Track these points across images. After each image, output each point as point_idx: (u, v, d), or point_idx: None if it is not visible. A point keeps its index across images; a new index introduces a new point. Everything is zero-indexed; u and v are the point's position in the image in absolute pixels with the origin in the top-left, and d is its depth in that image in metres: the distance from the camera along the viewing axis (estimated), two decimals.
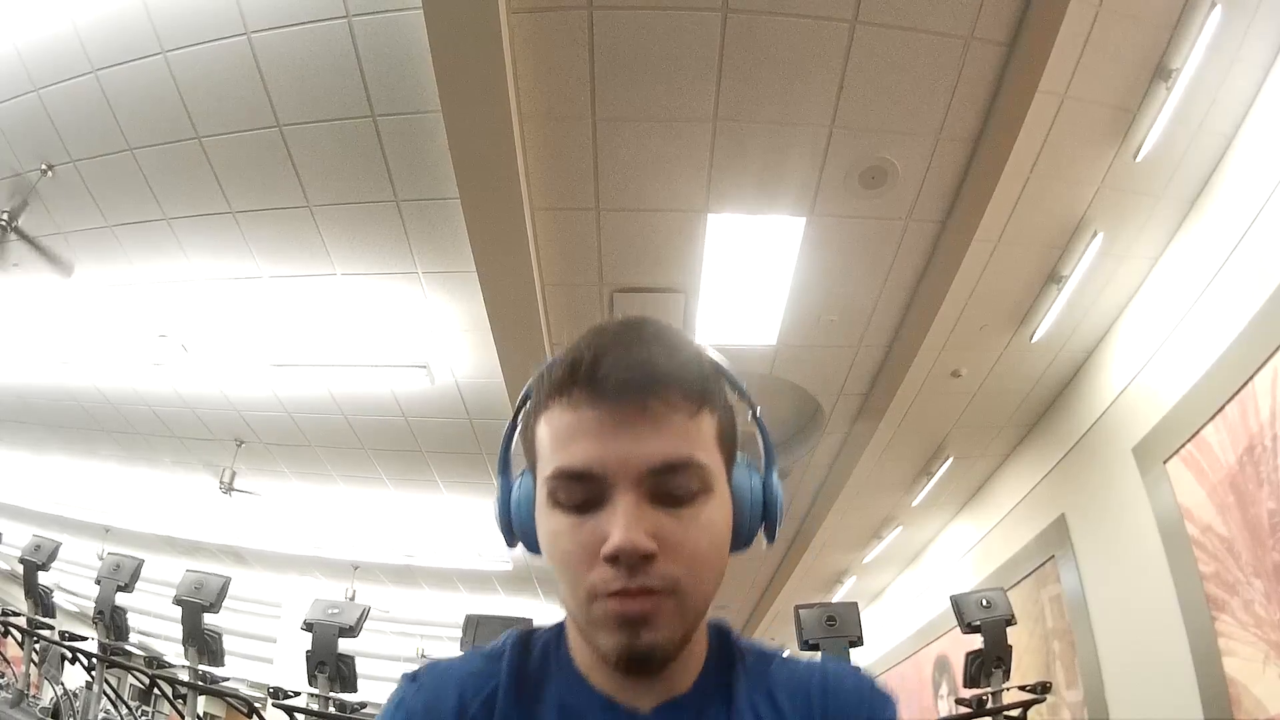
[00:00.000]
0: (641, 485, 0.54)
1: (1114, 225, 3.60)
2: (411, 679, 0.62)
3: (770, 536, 0.64)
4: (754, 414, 0.65)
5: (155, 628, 10.39)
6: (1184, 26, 2.78)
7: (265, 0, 2.84)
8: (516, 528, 0.63)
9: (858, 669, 0.66)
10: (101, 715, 4.17)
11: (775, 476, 0.63)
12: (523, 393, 0.63)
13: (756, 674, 0.64)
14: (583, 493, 0.55)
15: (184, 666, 3.71)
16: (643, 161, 3.24)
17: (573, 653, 0.62)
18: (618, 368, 0.55)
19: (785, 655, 0.67)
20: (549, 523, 0.57)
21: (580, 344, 0.57)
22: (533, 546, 0.62)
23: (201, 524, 8.21)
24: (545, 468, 0.57)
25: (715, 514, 0.57)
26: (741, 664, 0.64)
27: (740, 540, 0.61)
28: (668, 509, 0.55)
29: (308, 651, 3.64)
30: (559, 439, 0.56)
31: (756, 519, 0.62)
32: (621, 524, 0.53)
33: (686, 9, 2.69)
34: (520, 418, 0.63)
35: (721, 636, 0.65)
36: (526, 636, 0.64)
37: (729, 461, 0.61)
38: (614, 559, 0.52)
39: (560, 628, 0.64)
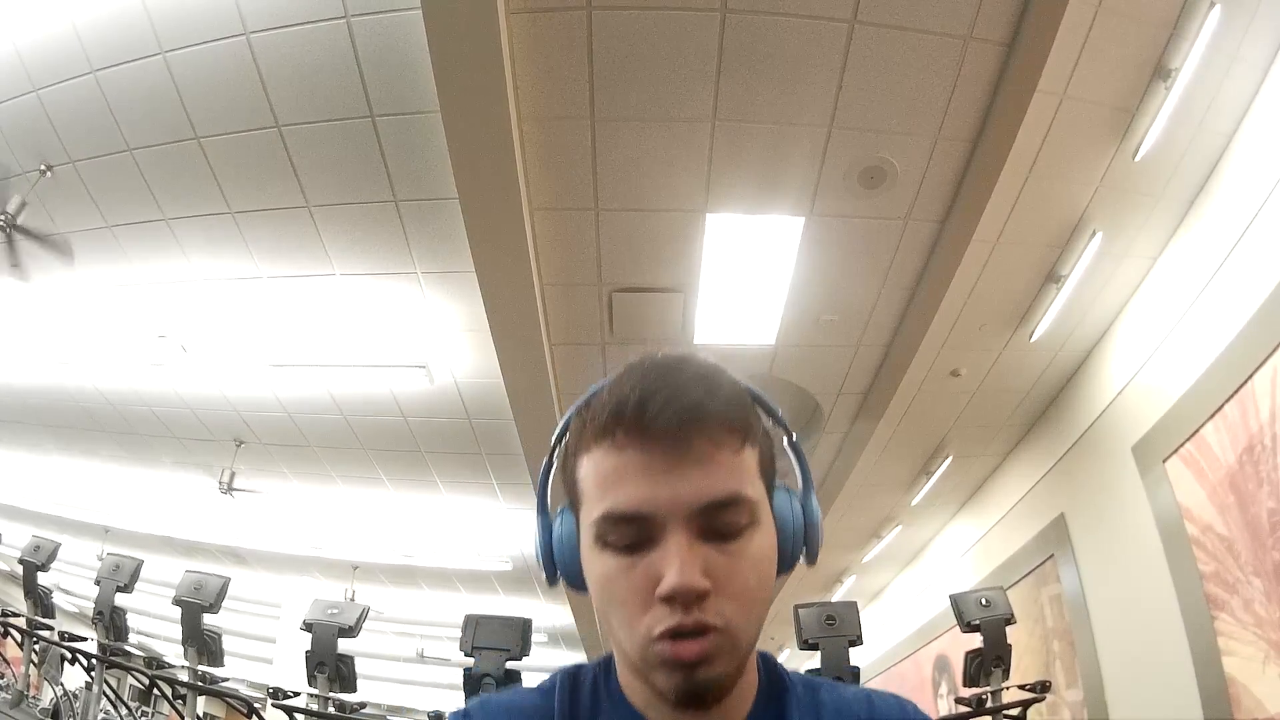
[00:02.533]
0: (692, 523, 0.54)
1: (1113, 225, 3.60)
2: (464, 716, 0.62)
3: (811, 559, 0.65)
4: (790, 440, 0.66)
5: (155, 628, 10.39)
6: (1183, 26, 2.78)
7: (265, 0, 2.84)
8: (560, 566, 0.62)
9: (899, 697, 0.68)
10: (101, 716, 4.17)
11: (814, 501, 0.64)
12: (559, 429, 0.63)
13: (807, 703, 0.65)
14: (633, 534, 0.55)
15: (184, 667, 3.71)
16: (642, 161, 3.24)
17: (624, 689, 0.62)
18: (664, 410, 0.55)
19: (831, 683, 0.68)
20: (598, 565, 0.57)
21: (623, 384, 0.57)
22: (576, 584, 0.62)
23: (201, 524, 8.20)
24: (592, 509, 0.57)
25: (763, 545, 0.58)
26: (793, 693, 0.65)
27: (784, 564, 0.62)
28: (717, 544, 0.55)
29: (307, 652, 3.64)
30: (605, 481, 0.56)
31: (799, 542, 0.63)
32: (676, 564, 0.53)
33: (686, 9, 2.69)
34: (557, 455, 0.63)
35: (770, 667, 0.66)
36: (576, 672, 0.65)
37: (770, 489, 0.61)
38: (670, 599, 0.53)
39: (608, 663, 0.65)
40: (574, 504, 0.61)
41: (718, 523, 0.55)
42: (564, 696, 0.63)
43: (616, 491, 0.55)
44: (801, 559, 0.64)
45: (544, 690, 0.64)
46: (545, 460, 0.65)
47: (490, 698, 0.64)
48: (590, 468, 0.58)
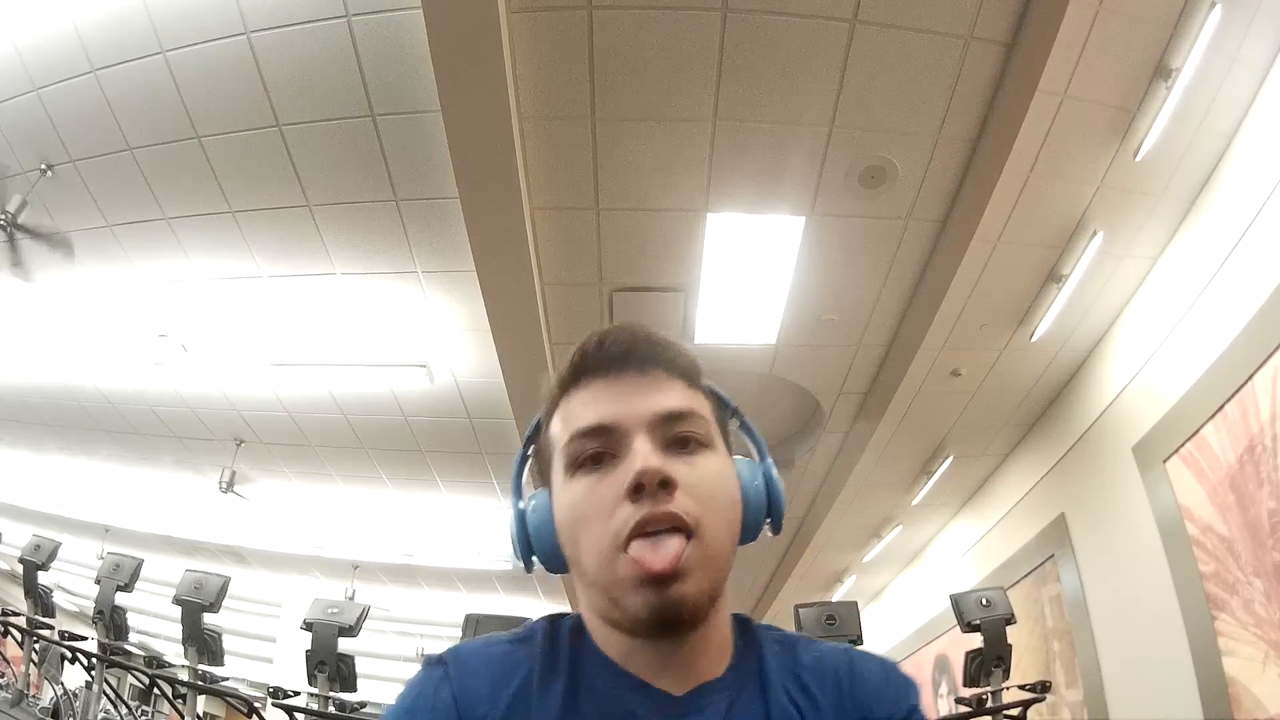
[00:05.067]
0: (654, 432, 0.58)
1: (1114, 225, 3.60)
2: (436, 663, 0.60)
3: (776, 528, 0.65)
4: (737, 415, 0.68)
5: (155, 628, 10.39)
6: (1184, 26, 2.78)
7: (265, 0, 2.84)
8: (536, 545, 0.62)
9: (881, 656, 0.67)
10: (101, 715, 4.17)
11: (773, 470, 0.65)
12: (531, 423, 0.67)
13: (783, 658, 0.64)
14: (598, 445, 0.58)
15: (184, 666, 3.71)
16: (642, 161, 3.24)
17: (600, 643, 0.61)
18: (621, 341, 0.61)
19: (808, 640, 0.68)
20: (569, 494, 0.59)
21: (582, 341, 0.62)
22: (551, 562, 0.62)
23: (201, 524, 8.21)
24: (561, 443, 0.60)
25: (723, 468, 0.60)
26: (769, 647, 0.64)
27: (748, 532, 0.62)
28: (679, 454, 0.58)
29: (308, 651, 3.64)
30: (572, 414, 0.60)
31: (761, 509, 0.63)
32: (640, 455, 0.56)
33: (686, 9, 2.69)
34: (528, 444, 0.66)
35: (743, 624, 0.66)
36: (553, 622, 0.64)
37: (727, 449, 0.64)
38: (637, 489, 0.54)
39: (580, 619, 0.64)
40: (545, 470, 0.63)
41: (678, 430, 0.58)
42: (543, 646, 0.61)
43: (583, 414, 0.59)
44: (767, 530, 0.65)
45: (521, 638, 0.63)
46: (520, 451, 0.68)
47: (465, 645, 0.62)
48: (559, 417, 0.62)
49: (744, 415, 0.68)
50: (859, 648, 0.70)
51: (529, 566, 0.64)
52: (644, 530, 0.54)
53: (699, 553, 0.55)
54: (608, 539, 0.55)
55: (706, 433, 0.60)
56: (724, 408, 0.66)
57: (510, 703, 0.58)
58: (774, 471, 0.65)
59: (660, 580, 0.53)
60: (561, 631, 0.63)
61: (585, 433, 0.58)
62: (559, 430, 0.61)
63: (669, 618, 0.54)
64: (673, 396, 0.60)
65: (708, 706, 0.59)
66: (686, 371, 0.62)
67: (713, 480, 0.58)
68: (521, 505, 0.64)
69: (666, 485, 0.55)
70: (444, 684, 0.58)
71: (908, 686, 0.65)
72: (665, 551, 0.53)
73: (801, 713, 0.61)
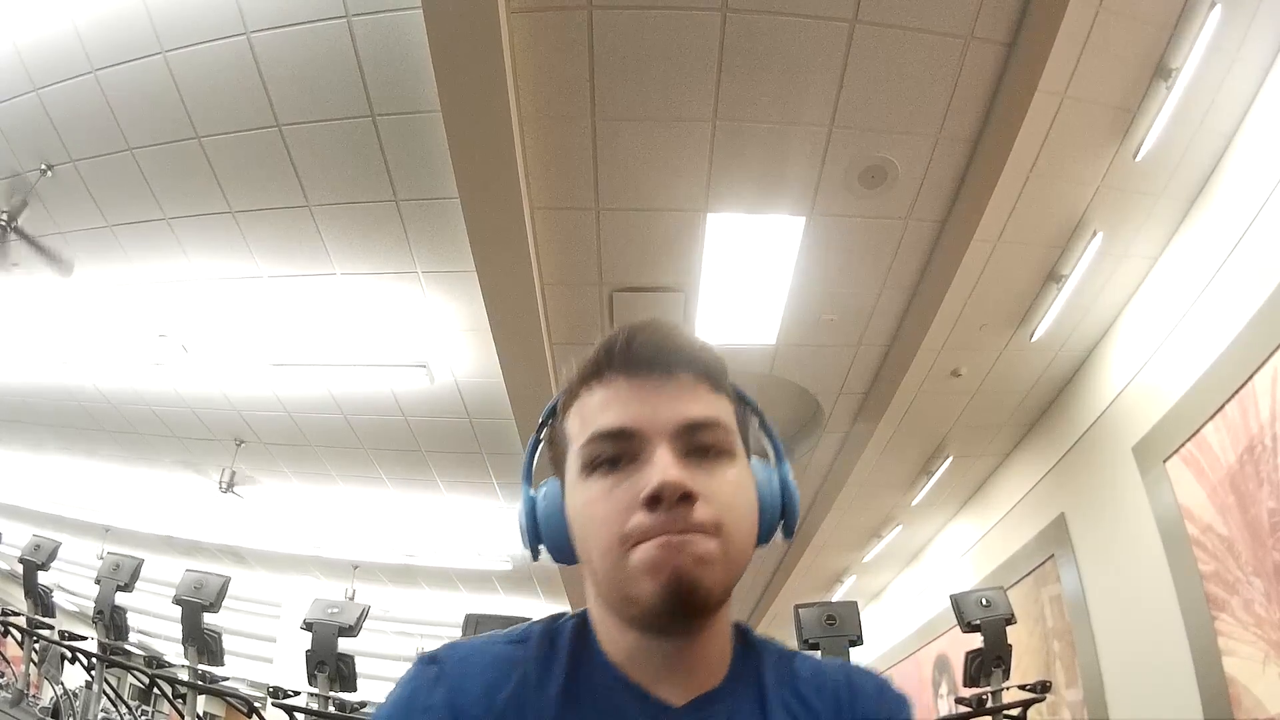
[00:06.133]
0: (676, 441, 0.56)
1: (1114, 225, 3.60)
2: (429, 662, 0.59)
3: (789, 532, 0.65)
4: (759, 416, 0.67)
5: (155, 628, 10.39)
6: (1184, 26, 2.78)
7: (265, 0, 2.84)
8: (545, 534, 0.61)
9: (876, 672, 0.68)
10: (101, 715, 4.17)
11: (789, 474, 0.65)
12: (548, 406, 0.65)
13: (782, 670, 0.64)
14: (619, 450, 0.57)
15: (184, 666, 3.71)
16: (642, 161, 3.24)
17: (602, 644, 0.60)
18: (650, 343, 0.60)
19: (805, 654, 0.68)
20: (582, 495, 0.58)
21: (609, 335, 0.61)
22: (559, 553, 0.61)
23: (201, 524, 8.21)
24: (579, 440, 0.59)
25: (743, 478, 0.60)
26: (768, 659, 0.64)
27: (763, 533, 0.62)
28: (700, 462, 0.57)
29: (308, 651, 3.64)
30: (593, 412, 0.59)
31: (776, 513, 0.63)
32: (660, 466, 0.54)
33: (686, 9, 2.69)
34: (543, 430, 0.65)
35: (743, 634, 0.65)
36: (551, 625, 0.63)
37: (746, 453, 0.63)
38: (654, 500, 0.53)
39: (584, 619, 0.63)
40: (559, 461, 0.62)
41: (699, 440, 0.57)
42: (541, 648, 0.60)
43: (604, 414, 0.58)
44: (779, 534, 0.64)
45: (517, 639, 0.61)
46: (533, 436, 0.66)
47: (460, 643, 0.61)
48: (577, 411, 0.61)
49: (764, 417, 0.67)
50: (854, 663, 0.70)
51: (535, 555, 0.63)
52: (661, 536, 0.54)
53: (720, 547, 0.55)
54: (617, 541, 0.54)
55: (728, 441, 0.59)
56: (745, 408, 0.65)
57: (504, 706, 0.56)
58: (790, 475, 0.64)
59: (677, 568, 0.53)
60: (562, 633, 0.62)
61: (605, 435, 0.57)
62: (576, 426, 0.60)
63: (683, 599, 0.53)
64: (698, 404, 0.58)
65: (707, 719, 0.58)
66: (712, 374, 0.61)
67: (733, 489, 0.57)
68: (533, 493, 0.63)
69: (687, 499, 0.54)
70: (438, 684, 0.57)
71: (902, 703, 0.65)
72: (682, 540, 0.53)
73: None
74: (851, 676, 0.65)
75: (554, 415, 0.64)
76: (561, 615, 0.65)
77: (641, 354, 0.59)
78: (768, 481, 0.62)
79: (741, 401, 0.65)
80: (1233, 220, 3.26)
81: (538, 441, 0.66)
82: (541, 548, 0.62)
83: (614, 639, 0.60)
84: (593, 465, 0.57)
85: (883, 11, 2.69)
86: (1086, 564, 4.64)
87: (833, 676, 0.65)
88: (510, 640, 0.62)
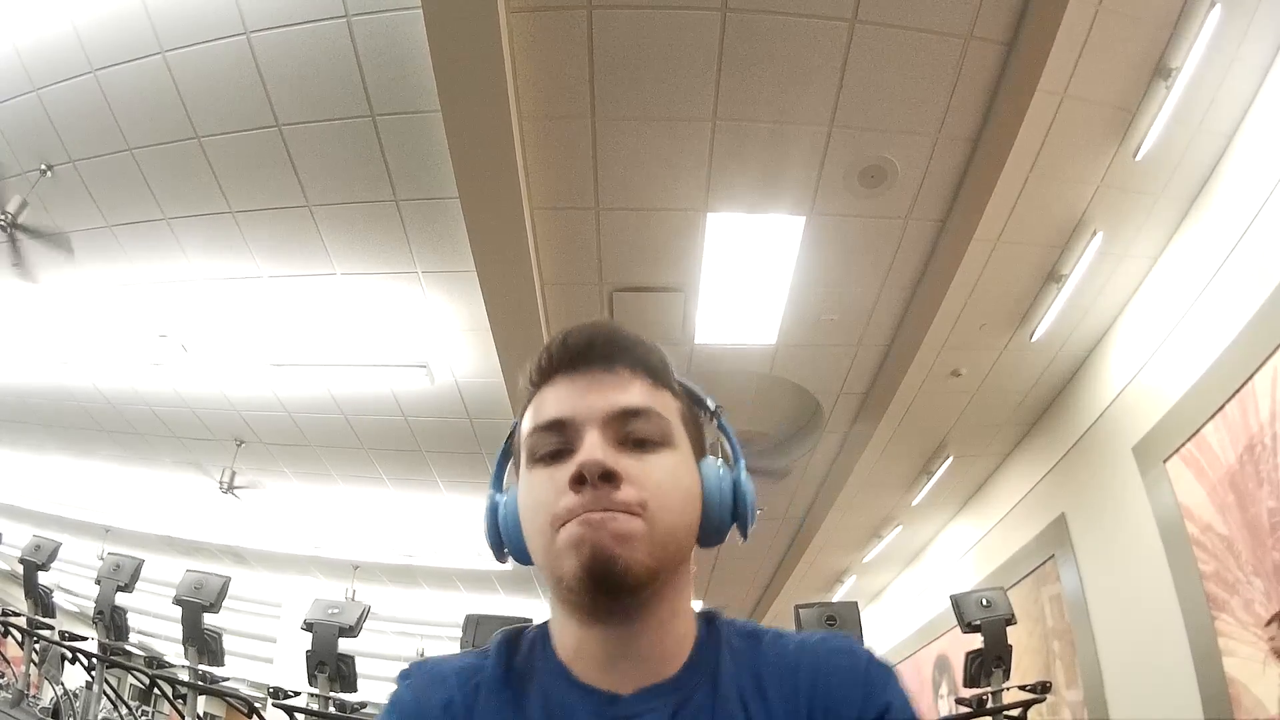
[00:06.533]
0: (607, 427, 0.58)
1: (1114, 224, 3.60)
2: (405, 675, 0.64)
3: (743, 533, 0.64)
4: (716, 417, 0.67)
5: (155, 628, 10.38)
6: (1184, 25, 2.78)
7: (265, 0, 2.84)
8: (505, 536, 0.65)
9: (852, 644, 0.62)
10: (101, 715, 4.17)
11: (744, 476, 0.64)
12: (512, 425, 0.67)
13: (743, 655, 0.62)
14: (556, 442, 0.59)
15: (184, 666, 3.71)
16: (642, 161, 3.24)
17: (556, 647, 0.62)
18: (584, 336, 0.62)
19: (777, 633, 0.64)
20: (524, 485, 0.61)
21: (550, 338, 0.63)
22: (519, 554, 0.63)
23: (201, 524, 8.20)
24: (524, 434, 0.62)
25: (679, 467, 0.60)
26: (727, 646, 0.62)
27: (711, 533, 0.62)
28: (632, 453, 0.58)
29: (308, 651, 3.64)
30: (535, 411, 0.62)
31: (727, 512, 0.62)
32: (585, 448, 0.57)
33: (686, 8, 2.69)
34: (509, 440, 0.68)
35: (709, 620, 0.64)
36: (515, 634, 0.66)
37: (697, 449, 0.64)
38: (579, 480, 0.55)
39: (545, 626, 0.65)
40: (517, 461, 0.64)
41: (632, 429, 0.58)
42: (500, 655, 0.63)
43: (543, 410, 0.61)
44: (738, 536, 0.64)
45: (485, 651, 0.65)
46: (503, 445, 0.69)
47: (430, 658, 0.65)
48: (528, 415, 0.63)
49: (723, 418, 0.67)
50: (837, 637, 0.63)
51: (501, 557, 0.66)
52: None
53: (644, 527, 0.55)
54: (548, 523, 0.56)
55: (664, 431, 0.60)
56: (699, 407, 0.66)
57: (459, 714, 0.59)
58: (744, 476, 0.63)
59: (598, 543, 0.54)
60: (522, 642, 0.65)
61: (542, 428, 0.60)
62: (526, 427, 0.62)
63: (602, 575, 0.54)
64: (632, 394, 0.60)
65: (650, 711, 0.57)
66: (651, 369, 0.62)
67: (663, 474, 0.58)
68: (497, 498, 0.67)
69: (610, 479, 0.55)
70: (408, 693, 0.62)
71: (884, 677, 0.60)
72: (602, 513, 0.55)
73: (749, 716, 0.58)
74: (818, 656, 0.61)
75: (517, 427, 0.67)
76: (527, 625, 0.66)
77: (577, 350, 0.61)
78: (717, 479, 0.62)
79: (691, 399, 0.66)
80: (1233, 220, 3.26)
81: (506, 451, 0.68)
82: (505, 550, 0.65)
83: (563, 637, 0.62)
84: (535, 458, 0.60)
85: (882, 11, 2.69)
86: (1086, 564, 4.64)
87: (798, 657, 0.61)
88: (476, 653, 0.65)
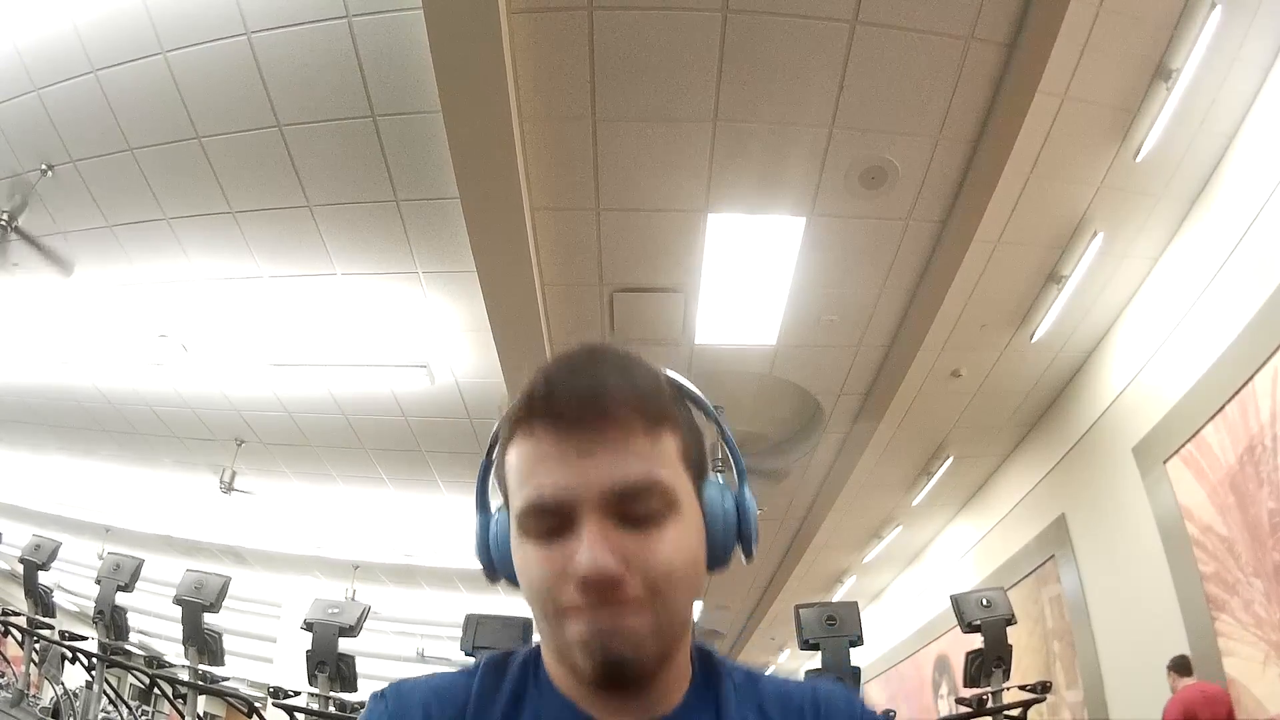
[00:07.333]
0: (606, 509, 0.54)
1: (1114, 225, 3.60)
2: (379, 697, 0.61)
3: (747, 554, 0.63)
4: (722, 434, 0.65)
5: (155, 628, 10.38)
6: (1184, 27, 2.78)
7: (265, 0, 2.84)
8: (497, 563, 0.63)
9: (846, 688, 0.66)
10: (101, 715, 4.17)
11: (748, 494, 0.62)
12: (493, 431, 0.63)
13: (745, 690, 0.63)
14: (551, 523, 0.55)
15: (184, 666, 3.71)
16: (643, 161, 3.24)
17: (551, 675, 0.61)
18: (571, 396, 0.55)
19: (772, 675, 0.66)
20: (521, 555, 0.57)
21: (536, 374, 0.58)
22: (511, 581, 0.61)
23: (201, 524, 8.21)
24: (515, 501, 0.58)
25: (684, 533, 0.57)
26: (729, 680, 0.63)
27: (717, 558, 0.61)
28: (633, 531, 0.54)
29: (308, 651, 3.64)
30: (523, 471, 0.57)
31: (731, 536, 0.61)
32: (586, 547, 0.53)
33: (686, 9, 2.69)
34: (493, 454, 0.63)
35: (705, 658, 0.64)
36: (503, 658, 0.64)
37: (698, 479, 0.60)
38: (584, 586, 0.53)
39: (537, 650, 0.64)
40: (506, 498, 0.61)
41: (632, 507, 0.54)
42: (484, 679, 0.61)
43: (532, 481, 0.56)
44: (740, 555, 0.62)
45: (468, 672, 0.62)
46: (483, 459, 0.65)
47: (409, 679, 0.62)
48: (513, 458, 0.58)
49: (726, 430, 0.64)
50: (824, 680, 0.67)
51: (493, 579, 0.63)
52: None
53: (653, 621, 0.54)
54: (553, 611, 0.55)
55: (665, 500, 0.56)
56: (699, 408, 0.63)
57: None
58: (748, 501, 0.62)
59: (607, 641, 0.53)
60: (512, 664, 0.63)
61: (535, 510, 0.55)
62: (514, 480, 0.58)
63: (613, 675, 0.54)
64: (630, 464, 0.55)
65: None
66: (648, 408, 0.57)
67: (670, 552, 0.55)
68: (487, 519, 0.64)
69: (616, 583, 0.53)
70: (382, 718, 0.59)
71: None
72: (610, 616, 0.53)
73: None
74: (819, 695, 0.63)
75: (496, 442, 0.63)
76: (513, 651, 0.65)
77: (563, 411, 0.55)
78: (721, 504, 0.60)
79: (692, 402, 0.62)
80: (1233, 221, 3.27)
81: (487, 469, 0.65)
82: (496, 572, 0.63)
83: (561, 671, 0.60)
84: (527, 533, 0.56)
85: (883, 12, 2.69)
86: (1086, 564, 4.64)
87: (799, 694, 0.63)
88: (460, 672, 0.63)
